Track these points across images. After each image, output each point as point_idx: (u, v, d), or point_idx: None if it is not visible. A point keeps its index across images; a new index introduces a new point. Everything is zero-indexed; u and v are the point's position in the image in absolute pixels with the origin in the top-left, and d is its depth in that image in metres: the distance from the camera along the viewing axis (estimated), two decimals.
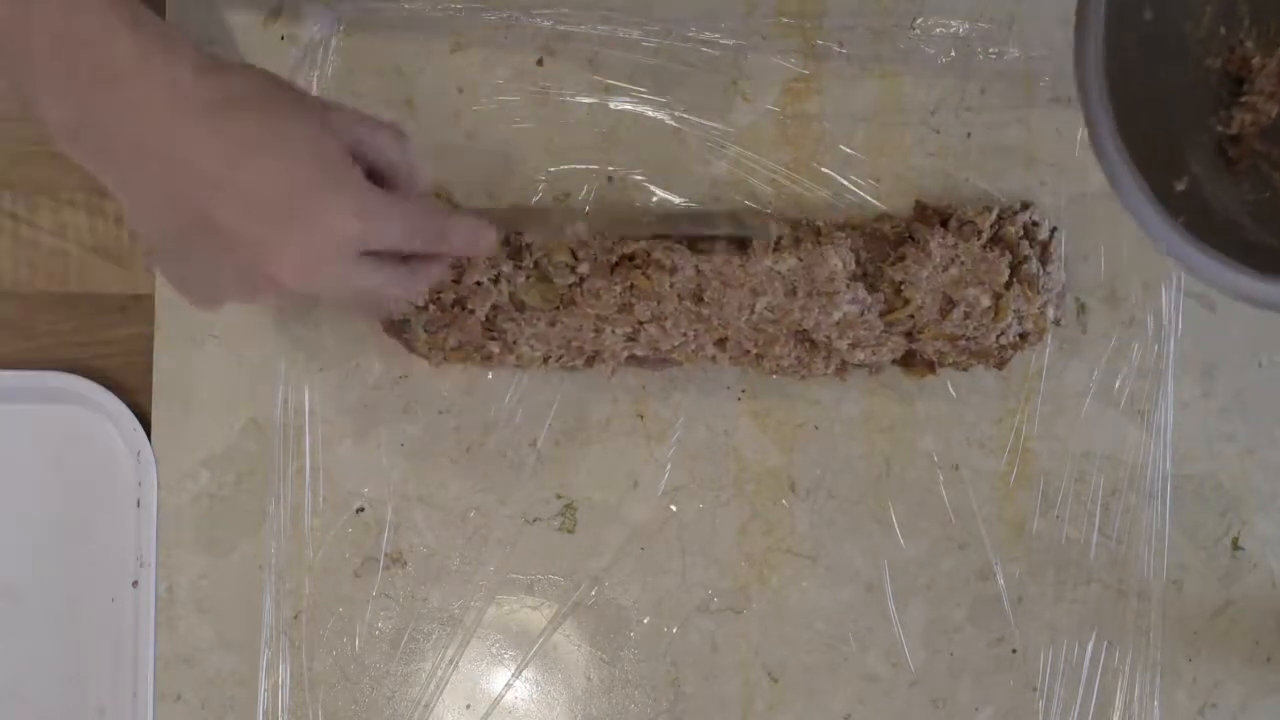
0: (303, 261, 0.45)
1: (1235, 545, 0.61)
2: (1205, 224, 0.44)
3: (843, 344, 0.58)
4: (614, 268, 0.58)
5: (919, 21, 0.62)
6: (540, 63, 0.62)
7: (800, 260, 0.57)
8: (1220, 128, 0.48)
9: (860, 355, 0.58)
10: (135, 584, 0.61)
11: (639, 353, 0.59)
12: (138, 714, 0.61)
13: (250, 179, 0.43)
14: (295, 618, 0.62)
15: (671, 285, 0.58)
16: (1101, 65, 0.43)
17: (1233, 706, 0.61)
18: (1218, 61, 0.48)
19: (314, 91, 0.62)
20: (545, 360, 0.60)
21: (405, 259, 0.49)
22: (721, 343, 0.59)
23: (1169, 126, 0.47)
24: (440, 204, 0.60)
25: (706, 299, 0.58)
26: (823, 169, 0.62)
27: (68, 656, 0.63)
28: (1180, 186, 0.45)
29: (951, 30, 0.61)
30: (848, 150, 0.62)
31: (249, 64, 0.48)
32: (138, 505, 0.62)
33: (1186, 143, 0.47)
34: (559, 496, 0.62)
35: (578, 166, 0.62)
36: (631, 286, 0.58)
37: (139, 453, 0.62)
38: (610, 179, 0.62)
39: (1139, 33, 0.45)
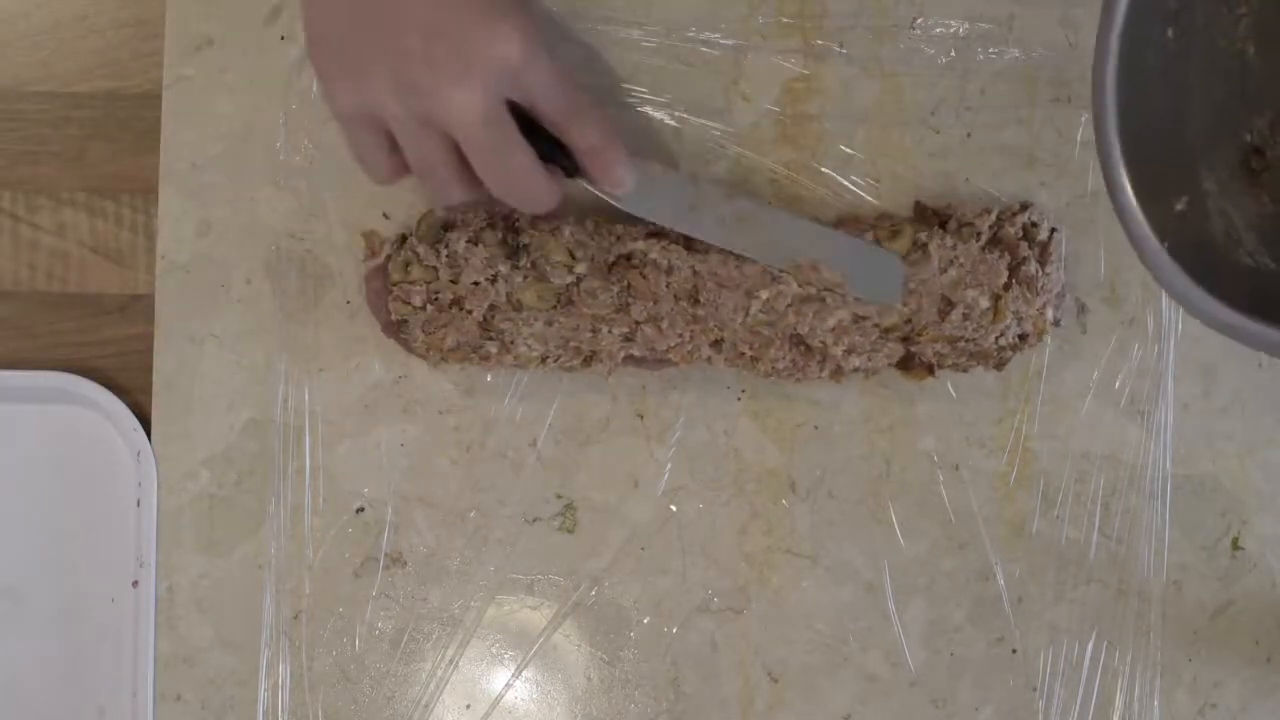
0: (459, 66, 0.48)
1: (1235, 545, 0.61)
2: (1198, 243, 0.44)
3: (838, 350, 0.58)
4: (611, 267, 0.58)
5: (919, 21, 0.62)
6: None
7: None
8: (1249, 137, 0.48)
9: (856, 361, 0.58)
10: (135, 584, 0.61)
11: (636, 353, 0.59)
12: (138, 714, 0.61)
13: None
14: (295, 618, 0.62)
15: (668, 286, 0.58)
16: (1114, 92, 0.44)
17: (1233, 706, 0.61)
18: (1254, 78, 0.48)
19: (314, 92, 0.62)
20: (543, 360, 0.60)
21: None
22: (718, 344, 0.59)
23: (1186, 142, 0.47)
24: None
25: (702, 300, 0.58)
26: (823, 169, 0.62)
27: (68, 656, 0.63)
28: (1179, 206, 0.46)
29: (951, 30, 0.61)
30: (848, 150, 0.62)
31: None
32: (138, 505, 0.62)
33: (1205, 155, 0.47)
34: (559, 496, 0.62)
35: None
36: (628, 286, 0.58)
37: (139, 453, 0.62)
38: None
39: (1161, 53, 0.45)
